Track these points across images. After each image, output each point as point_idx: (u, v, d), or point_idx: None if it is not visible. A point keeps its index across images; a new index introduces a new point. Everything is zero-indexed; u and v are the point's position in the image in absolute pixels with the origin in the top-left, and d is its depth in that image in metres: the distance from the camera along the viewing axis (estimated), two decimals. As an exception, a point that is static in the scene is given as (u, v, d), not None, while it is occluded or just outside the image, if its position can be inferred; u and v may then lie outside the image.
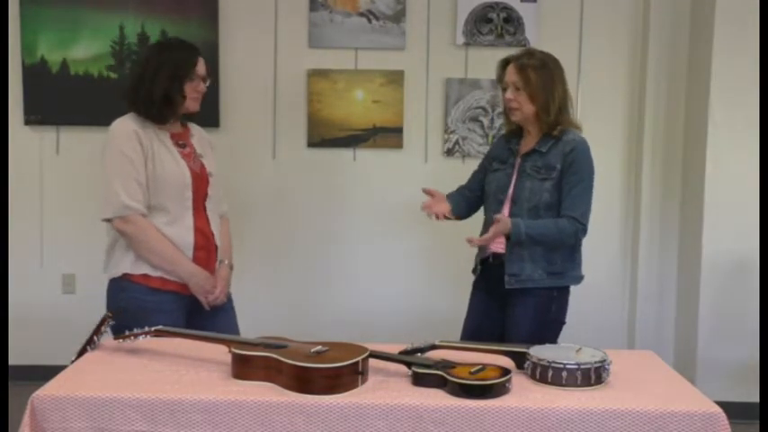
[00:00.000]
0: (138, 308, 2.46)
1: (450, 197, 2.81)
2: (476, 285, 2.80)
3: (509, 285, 2.58)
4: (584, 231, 2.59)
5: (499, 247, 2.62)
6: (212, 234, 2.62)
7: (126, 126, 2.49)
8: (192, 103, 2.57)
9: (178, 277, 2.52)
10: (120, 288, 2.54)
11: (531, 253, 2.56)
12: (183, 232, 2.53)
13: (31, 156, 4.14)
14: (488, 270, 2.70)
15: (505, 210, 2.63)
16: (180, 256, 2.51)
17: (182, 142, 2.60)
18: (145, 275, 2.50)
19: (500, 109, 3.81)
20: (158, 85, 2.47)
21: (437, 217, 2.70)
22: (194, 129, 2.72)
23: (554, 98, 2.57)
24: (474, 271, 2.80)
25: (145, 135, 2.49)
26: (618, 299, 4.25)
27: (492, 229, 2.51)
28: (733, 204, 3.82)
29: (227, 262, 2.68)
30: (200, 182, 2.59)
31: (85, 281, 4.21)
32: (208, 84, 2.62)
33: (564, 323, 2.65)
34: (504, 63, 2.65)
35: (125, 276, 2.52)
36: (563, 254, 2.60)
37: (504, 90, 2.63)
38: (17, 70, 4.03)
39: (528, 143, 2.66)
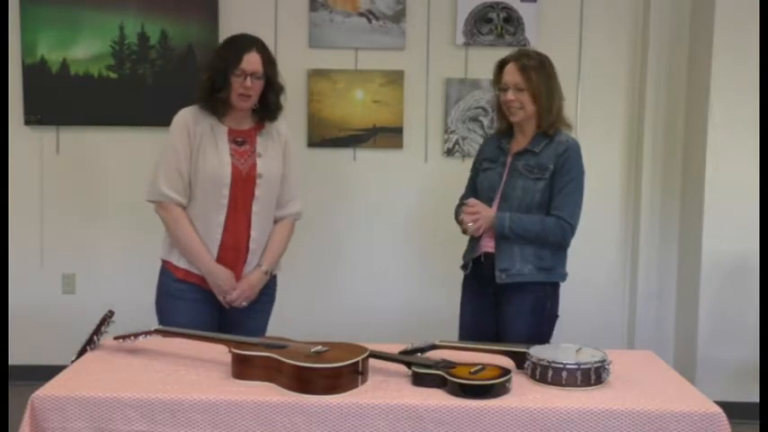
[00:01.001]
0: (167, 293, 2.61)
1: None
2: (466, 285, 2.82)
3: (500, 280, 2.61)
4: (573, 232, 2.62)
5: (490, 246, 2.65)
6: (248, 236, 2.59)
7: (180, 117, 2.57)
8: (237, 100, 2.52)
9: (200, 271, 2.56)
10: (160, 271, 2.66)
11: (521, 250, 2.60)
12: (212, 228, 2.55)
13: (31, 156, 4.14)
14: (479, 269, 2.72)
15: (494, 208, 2.66)
16: (203, 252, 2.54)
17: (240, 139, 2.58)
18: (172, 264, 2.60)
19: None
20: (207, 78, 2.53)
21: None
22: (271, 128, 2.66)
23: (554, 97, 2.61)
24: (463, 267, 2.81)
25: (196, 128, 2.54)
26: (618, 299, 4.25)
27: (481, 213, 2.58)
28: (733, 204, 3.82)
29: (263, 267, 2.64)
30: (244, 182, 2.56)
31: (85, 281, 4.21)
32: (260, 81, 2.54)
33: (557, 316, 2.70)
34: (502, 64, 2.67)
35: (162, 261, 2.64)
36: (551, 250, 2.64)
37: (504, 91, 2.64)
38: (17, 70, 4.03)
39: (519, 142, 2.68)
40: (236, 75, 2.50)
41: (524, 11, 4.06)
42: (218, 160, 2.53)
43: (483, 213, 2.60)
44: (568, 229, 2.59)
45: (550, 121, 2.61)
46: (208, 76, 2.53)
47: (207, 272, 2.55)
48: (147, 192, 2.59)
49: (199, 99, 2.56)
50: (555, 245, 2.63)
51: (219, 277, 2.55)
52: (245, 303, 2.60)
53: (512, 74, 2.60)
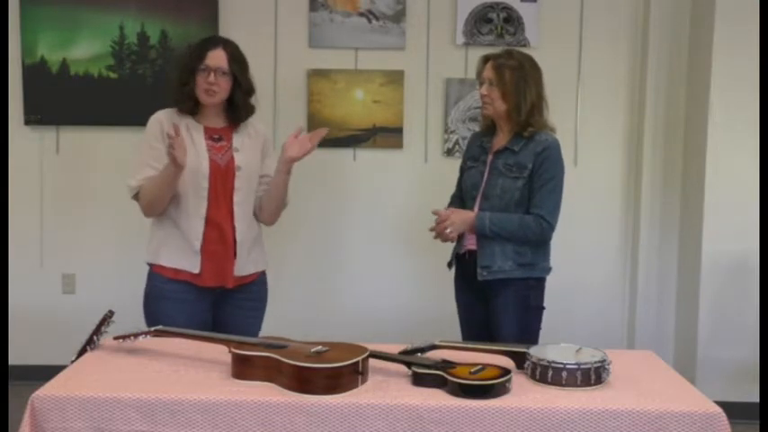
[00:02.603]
0: (159, 295, 2.60)
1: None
2: (456, 284, 2.89)
3: (481, 277, 2.67)
4: (552, 229, 2.68)
5: (472, 243, 2.71)
6: (233, 228, 2.60)
7: (154, 117, 2.62)
8: (203, 95, 2.56)
9: (174, 177, 2.46)
10: (147, 276, 2.67)
11: (501, 247, 2.66)
12: (195, 221, 2.56)
13: (31, 156, 4.14)
14: (464, 267, 2.79)
15: (476, 207, 2.72)
16: (159, 172, 2.51)
17: (216, 136, 2.62)
18: (161, 266, 2.60)
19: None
20: (175, 76, 2.58)
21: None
22: (247, 126, 2.69)
23: (525, 99, 2.65)
24: (449, 265, 2.88)
25: (170, 124, 2.54)
26: (618, 299, 4.25)
27: (451, 219, 2.64)
28: (733, 204, 3.82)
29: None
30: (224, 175, 2.58)
31: (85, 281, 4.21)
32: (226, 78, 2.57)
33: (544, 308, 2.75)
34: (484, 60, 2.74)
35: (150, 265, 2.65)
36: (531, 246, 2.69)
37: (481, 85, 2.71)
38: (17, 70, 4.03)
39: (500, 140, 2.74)
40: (201, 70, 2.53)
41: (524, 11, 4.06)
42: (196, 154, 2.55)
43: (454, 218, 2.65)
44: (547, 226, 2.65)
45: (520, 122, 2.66)
46: (176, 74, 2.58)
47: (174, 171, 2.45)
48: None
49: (172, 100, 2.60)
50: (534, 242, 2.68)
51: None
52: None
53: (488, 70, 2.69)
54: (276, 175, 2.67)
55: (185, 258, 2.57)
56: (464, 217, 2.66)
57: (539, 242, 2.69)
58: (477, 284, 2.70)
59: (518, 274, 2.66)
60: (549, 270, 2.76)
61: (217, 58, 2.55)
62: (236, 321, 2.65)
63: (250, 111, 2.68)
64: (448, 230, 2.65)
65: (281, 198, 2.71)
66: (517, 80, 2.64)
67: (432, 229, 2.71)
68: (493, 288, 2.68)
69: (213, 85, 2.54)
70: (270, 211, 2.73)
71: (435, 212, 2.69)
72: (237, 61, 2.60)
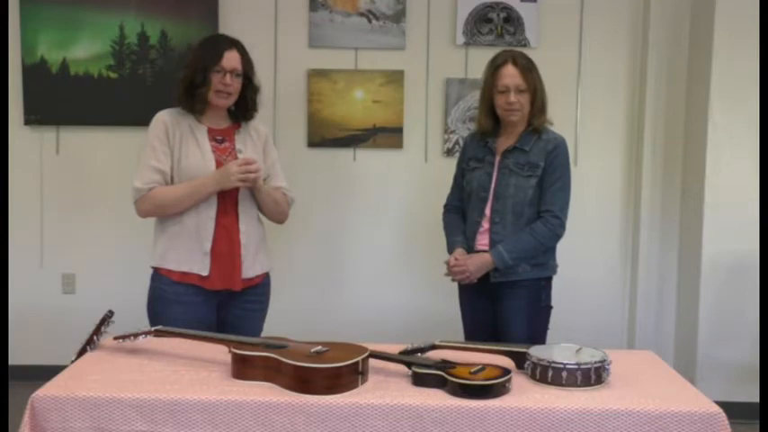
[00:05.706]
0: (161, 298, 2.58)
1: (455, 231, 2.85)
2: (462, 285, 2.85)
3: (494, 279, 2.68)
4: (562, 226, 2.69)
5: (483, 244, 2.71)
6: (238, 231, 2.59)
7: (158, 117, 2.59)
8: (216, 97, 2.54)
9: (209, 192, 2.51)
10: (151, 278, 2.63)
11: None
12: (205, 222, 2.55)
13: (31, 156, 4.14)
14: None
15: (488, 207, 2.70)
16: (195, 180, 2.50)
17: (219, 137, 2.61)
18: (167, 269, 2.57)
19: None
20: (186, 76, 2.54)
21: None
22: (248, 127, 2.68)
23: (545, 96, 2.70)
24: None
25: (174, 126, 2.55)
26: (618, 299, 4.25)
27: (466, 267, 2.67)
28: (733, 204, 3.82)
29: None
30: None
31: (85, 281, 4.22)
32: (239, 79, 2.57)
33: (552, 307, 2.77)
34: (494, 66, 2.68)
35: (154, 268, 2.62)
36: None
37: (503, 93, 2.65)
38: (17, 70, 4.03)
39: (507, 141, 2.73)
40: (216, 71, 2.52)
41: (524, 11, 4.06)
42: (202, 156, 2.55)
43: (470, 264, 2.66)
44: (558, 223, 2.67)
45: (542, 120, 2.69)
46: (187, 73, 2.54)
47: (210, 181, 2.50)
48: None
49: (177, 98, 2.57)
50: (551, 245, 2.72)
51: (226, 168, 2.49)
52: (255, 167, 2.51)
53: (513, 76, 2.63)
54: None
55: (194, 261, 2.55)
56: (479, 261, 2.66)
57: (555, 243, 2.71)
58: (486, 285, 2.69)
59: (531, 275, 2.67)
60: (556, 268, 2.77)
61: (232, 59, 2.54)
62: (239, 322, 2.64)
63: (256, 109, 2.68)
64: (467, 276, 2.68)
65: (273, 203, 2.70)
66: (539, 79, 2.68)
67: (447, 274, 2.75)
68: (504, 289, 2.68)
69: (228, 87, 2.54)
70: (271, 213, 2.73)
71: (449, 264, 2.72)
72: (249, 63, 2.61)
